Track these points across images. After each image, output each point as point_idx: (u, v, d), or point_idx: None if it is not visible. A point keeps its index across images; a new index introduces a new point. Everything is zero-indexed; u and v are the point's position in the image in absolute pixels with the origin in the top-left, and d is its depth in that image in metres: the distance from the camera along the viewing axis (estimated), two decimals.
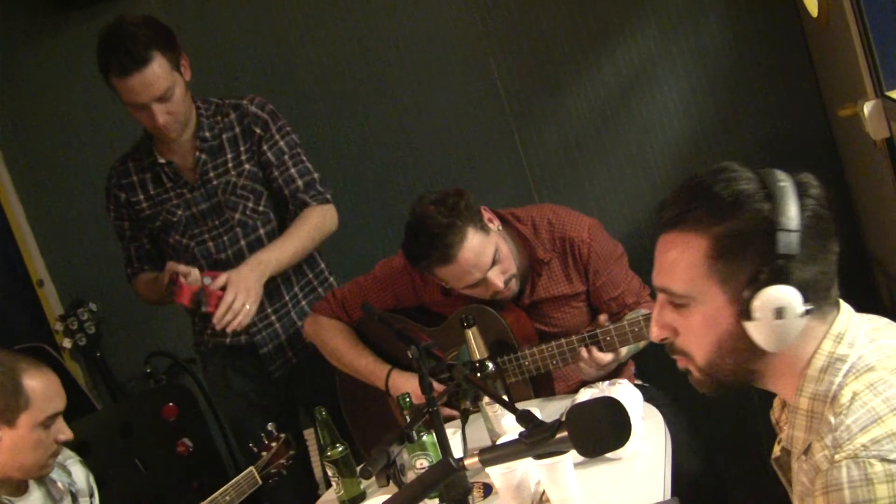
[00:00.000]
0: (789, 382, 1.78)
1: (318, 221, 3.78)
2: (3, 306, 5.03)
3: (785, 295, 1.67)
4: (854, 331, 1.75)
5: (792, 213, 1.68)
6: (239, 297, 3.54)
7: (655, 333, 1.88)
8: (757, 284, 1.68)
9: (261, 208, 3.81)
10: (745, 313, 1.70)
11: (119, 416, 4.42)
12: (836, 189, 4.01)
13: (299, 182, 3.78)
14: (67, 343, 4.75)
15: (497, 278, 3.22)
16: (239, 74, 4.54)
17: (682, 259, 1.77)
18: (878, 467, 1.55)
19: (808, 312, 1.68)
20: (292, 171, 3.79)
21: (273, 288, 3.82)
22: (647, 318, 3.05)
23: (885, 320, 1.86)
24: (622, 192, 4.28)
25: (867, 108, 2.95)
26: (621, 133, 4.26)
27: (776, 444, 1.92)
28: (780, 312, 1.67)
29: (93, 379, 4.97)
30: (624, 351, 3.16)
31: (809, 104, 4.07)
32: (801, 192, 1.72)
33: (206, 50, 4.48)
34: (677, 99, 4.17)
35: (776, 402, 1.97)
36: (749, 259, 1.71)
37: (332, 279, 4.01)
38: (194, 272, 3.55)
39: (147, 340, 4.81)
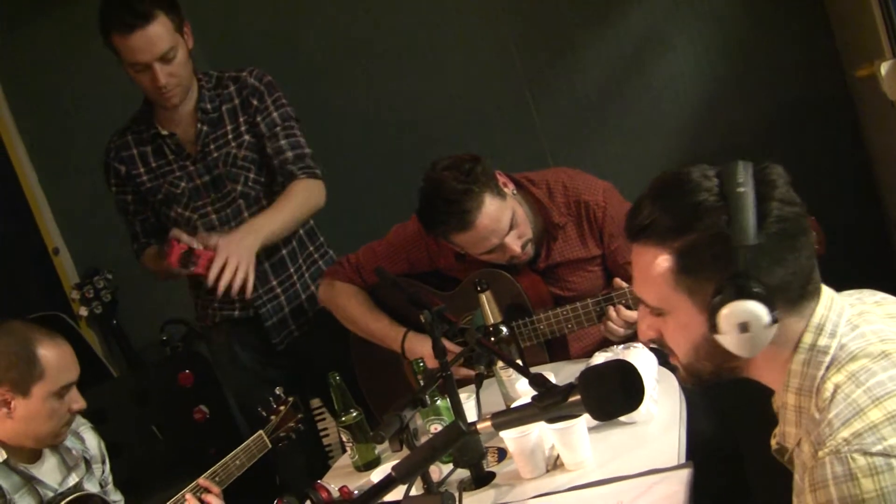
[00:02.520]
0: (776, 378, 1.77)
1: (305, 195, 3.75)
2: (19, 275, 5.05)
3: (747, 310, 1.63)
4: (834, 319, 1.72)
5: (748, 227, 1.64)
6: (231, 259, 3.50)
7: (643, 335, 1.89)
8: (721, 300, 1.65)
9: (263, 179, 3.80)
10: (712, 327, 1.68)
11: (135, 383, 4.43)
12: (853, 150, 4.02)
13: (289, 154, 3.75)
14: (83, 311, 4.77)
15: (514, 243, 3.20)
16: (246, 42, 4.54)
17: (649, 273, 1.77)
18: (861, 461, 1.53)
19: (775, 321, 1.64)
20: (282, 142, 3.76)
21: (278, 261, 3.84)
22: None
23: (877, 296, 1.85)
24: (635, 157, 4.25)
25: (885, 68, 2.92)
26: (635, 97, 4.23)
27: (772, 438, 1.91)
28: (744, 327, 1.64)
29: (109, 347, 4.99)
30: None
31: (827, 65, 4.02)
32: (764, 196, 1.67)
33: (214, 21, 4.47)
34: (691, 62, 4.13)
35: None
36: (710, 273, 1.68)
37: (331, 252, 4.01)
38: (194, 240, 3.53)
39: (163, 308, 4.82)
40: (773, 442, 1.89)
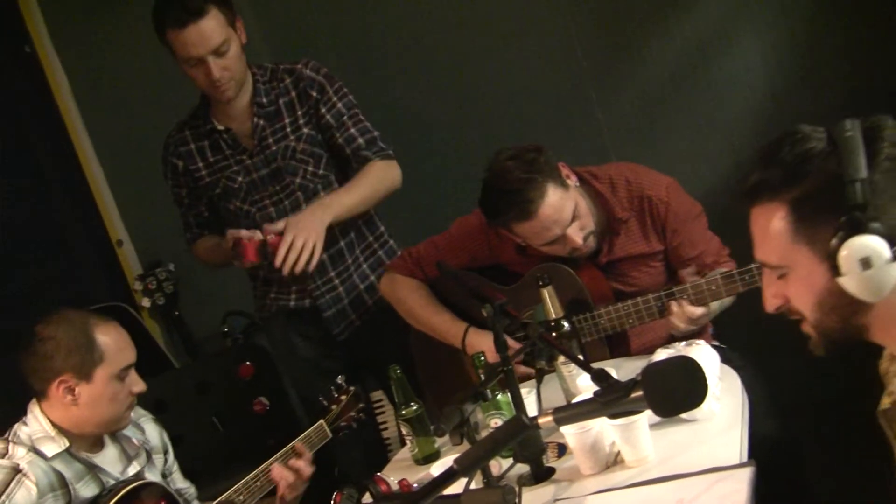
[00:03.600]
0: None
1: (381, 174, 3.79)
2: (84, 267, 5.11)
3: (866, 244, 1.63)
4: None
5: (859, 164, 1.65)
6: (298, 236, 3.54)
7: (769, 304, 1.88)
8: (839, 239, 1.65)
9: (321, 171, 3.82)
10: (834, 270, 1.67)
11: (196, 374, 4.47)
12: None
13: (360, 140, 3.79)
14: (146, 302, 4.82)
15: (576, 235, 3.18)
16: (308, 36, 4.55)
17: (768, 231, 1.77)
18: None
19: None
20: (353, 130, 3.79)
21: (335, 252, 3.85)
22: (725, 277, 3.02)
23: None
24: (699, 153, 4.20)
25: None
26: (699, 91, 4.18)
27: (885, 396, 1.88)
28: (866, 263, 1.63)
29: (171, 338, 5.03)
30: (715, 305, 3.11)
31: None
32: (872, 138, 1.68)
33: (276, 14, 4.48)
34: (757, 55, 4.08)
35: (886, 353, 1.92)
36: (827, 217, 1.68)
37: (391, 242, 4.02)
38: (256, 233, 3.57)
39: (224, 299, 4.85)
40: (887, 401, 1.86)
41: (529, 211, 3.09)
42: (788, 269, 1.78)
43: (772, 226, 1.75)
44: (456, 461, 1.84)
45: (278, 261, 3.53)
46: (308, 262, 3.56)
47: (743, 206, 1.83)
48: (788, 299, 1.83)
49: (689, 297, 3.07)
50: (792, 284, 1.80)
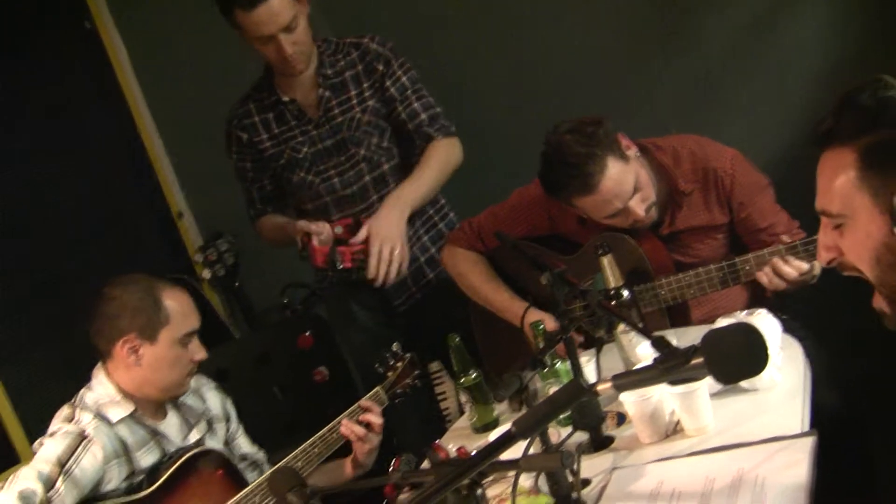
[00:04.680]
0: None
1: (446, 155, 3.83)
2: (145, 239, 5.16)
3: None
4: None
5: None
6: (385, 245, 3.61)
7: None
8: None
9: (385, 144, 3.85)
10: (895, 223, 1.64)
11: (256, 345, 4.50)
12: None
13: (423, 116, 3.81)
14: (206, 274, 4.84)
15: (638, 207, 3.16)
16: (367, 7, 4.54)
17: (834, 176, 1.74)
18: None
19: None
20: (416, 105, 3.81)
21: None
22: (789, 248, 3.00)
23: None
24: (758, 125, 4.15)
25: None
26: (758, 64, 4.12)
27: None
28: None
29: (231, 309, 5.07)
30: (818, 266, 3.07)
31: None
32: None
33: None
34: (816, 27, 4.01)
35: None
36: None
37: (451, 214, 4.05)
38: (325, 230, 3.60)
39: (284, 271, 4.86)
40: None
41: (590, 185, 3.07)
42: (847, 218, 1.75)
43: (838, 171, 1.72)
44: (514, 423, 1.83)
45: (371, 274, 3.62)
46: (399, 269, 3.65)
47: (815, 151, 1.79)
48: (842, 252, 1.80)
49: (751, 268, 3.05)
50: (848, 236, 1.76)
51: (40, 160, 4.65)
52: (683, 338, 3.06)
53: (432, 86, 3.91)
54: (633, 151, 3.20)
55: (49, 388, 3.00)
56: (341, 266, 3.58)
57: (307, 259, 3.63)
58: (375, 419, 3.14)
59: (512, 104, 4.49)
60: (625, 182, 3.11)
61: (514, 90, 4.49)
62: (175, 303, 2.97)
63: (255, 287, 4.92)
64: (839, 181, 1.72)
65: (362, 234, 3.62)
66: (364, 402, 3.17)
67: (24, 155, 4.57)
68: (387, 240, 3.62)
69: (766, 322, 2.72)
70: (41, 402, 3.01)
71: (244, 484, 2.99)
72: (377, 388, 3.25)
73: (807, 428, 2.37)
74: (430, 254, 3.95)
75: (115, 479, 2.83)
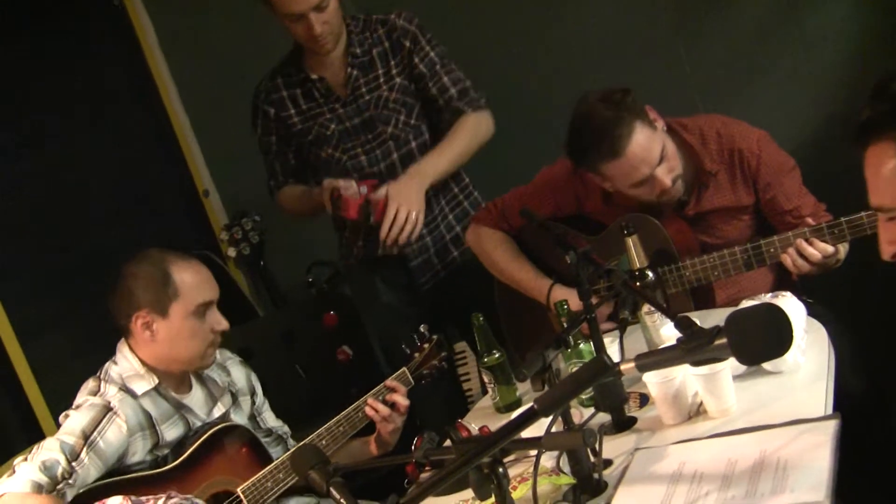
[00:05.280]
0: None
1: (473, 129, 3.82)
2: (171, 216, 5.18)
3: None
4: None
5: None
6: (402, 209, 3.61)
7: (885, 251, 1.83)
8: None
9: (412, 121, 3.86)
10: None
11: (281, 323, 4.52)
12: None
13: (453, 90, 3.82)
14: (232, 252, 4.86)
15: (665, 176, 3.13)
16: None
17: (881, 171, 1.71)
18: None
19: None
20: (445, 80, 3.82)
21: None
22: (814, 230, 2.99)
23: None
24: (788, 107, 4.12)
25: None
26: (787, 46, 4.10)
27: None
28: None
29: (256, 287, 5.08)
30: (842, 249, 3.07)
31: None
32: None
33: None
34: (845, 10, 3.99)
35: None
36: None
37: (476, 193, 4.04)
38: (352, 184, 3.61)
39: (309, 250, 4.88)
40: None
41: (618, 149, 3.05)
42: None
43: (884, 164, 1.69)
44: (536, 401, 1.83)
45: (383, 234, 3.63)
46: (410, 234, 3.66)
47: (857, 150, 1.77)
48: None
49: (776, 251, 3.04)
50: None
51: (68, 138, 4.68)
52: (707, 319, 3.03)
53: (457, 64, 3.90)
54: (660, 124, 3.18)
55: (74, 365, 3.02)
56: (373, 220, 3.61)
57: (339, 217, 3.65)
58: (401, 400, 3.16)
59: (538, 84, 4.47)
60: (652, 149, 3.10)
61: (540, 70, 4.48)
62: (186, 275, 2.96)
63: (280, 266, 4.94)
64: (885, 175, 1.69)
65: (382, 191, 3.63)
66: (390, 382, 3.18)
67: (51, 133, 4.60)
68: (404, 204, 3.63)
69: (790, 304, 2.71)
70: (66, 379, 3.03)
71: (268, 460, 3.00)
72: (403, 369, 3.25)
73: (830, 411, 2.36)
74: (455, 232, 3.96)
75: (139, 451, 2.85)
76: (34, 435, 3.83)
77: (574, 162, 3.25)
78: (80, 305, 4.26)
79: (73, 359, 3.12)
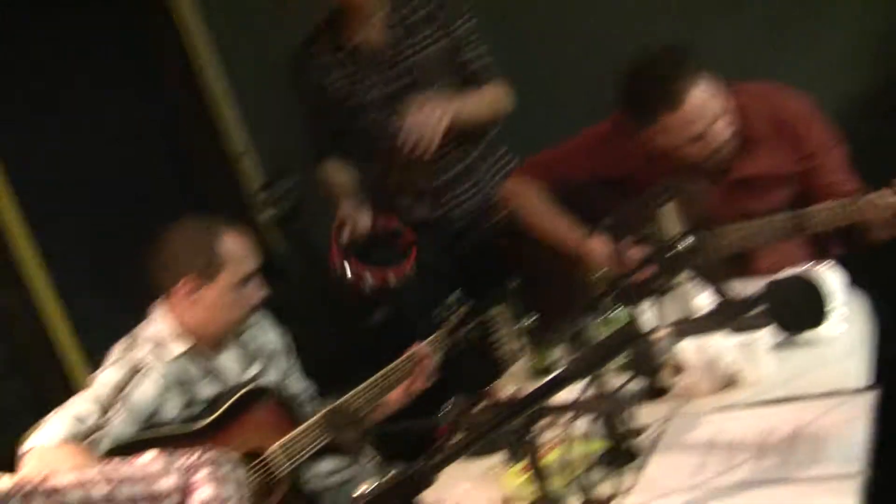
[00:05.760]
0: None
1: (497, 96, 3.86)
2: (207, 178, 5.17)
3: None
4: None
5: None
6: (425, 110, 3.64)
7: None
8: None
9: (453, 85, 3.85)
10: None
11: (316, 285, 4.51)
12: None
13: (484, 61, 3.85)
14: (268, 213, 4.85)
15: (719, 133, 3.09)
16: None
17: None
18: None
19: None
20: (479, 50, 3.84)
21: (462, 169, 3.92)
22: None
23: None
24: (833, 75, 4.06)
25: None
26: (835, 10, 4.04)
27: None
28: None
29: (290, 250, 5.08)
30: None
31: None
32: None
33: None
34: None
35: None
36: None
37: (515, 160, 4.03)
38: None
39: None
40: None
41: (677, 100, 3.00)
42: None
43: None
44: (567, 365, 1.82)
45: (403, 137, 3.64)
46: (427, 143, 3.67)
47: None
48: None
49: (819, 221, 3.00)
50: None
51: (105, 98, 4.67)
52: (746, 288, 3.02)
53: (499, 28, 3.89)
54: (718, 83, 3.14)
55: (114, 325, 3.03)
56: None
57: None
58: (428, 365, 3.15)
59: (582, 47, 4.42)
60: (712, 103, 3.05)
61: (579, 36, 4.42)
62: (235, 244, 2.97)
63: (315, 228, 4.93)
64: None
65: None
66: (421, 347, 3.17)
67: (88, 93, 4.60)
68: (428, 107, 3.64)
69: (831, 274, 2.67)
70: (106, 339, 3.04)
71: (300, 420, 3.00)
72: (435, 336, 3.24)
73: (869, 383, 2.33)
74: (495, 198, 3.93)
75: (172, 410, 2.85)
76: (73, 394, 3.86)
77: (629, 113, 3.19)
78: (120, 266, 4.27)
79: (114, 319, 3.13)
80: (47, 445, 2.58)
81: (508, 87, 3.89)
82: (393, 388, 3.14)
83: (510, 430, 1.85)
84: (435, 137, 3.65)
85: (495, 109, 3.87)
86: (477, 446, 1.77)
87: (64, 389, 3.68)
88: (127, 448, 2.65)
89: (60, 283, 4.09)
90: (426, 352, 3.16)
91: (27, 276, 3.99)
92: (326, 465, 3.17)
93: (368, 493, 1.57)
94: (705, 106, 3.04)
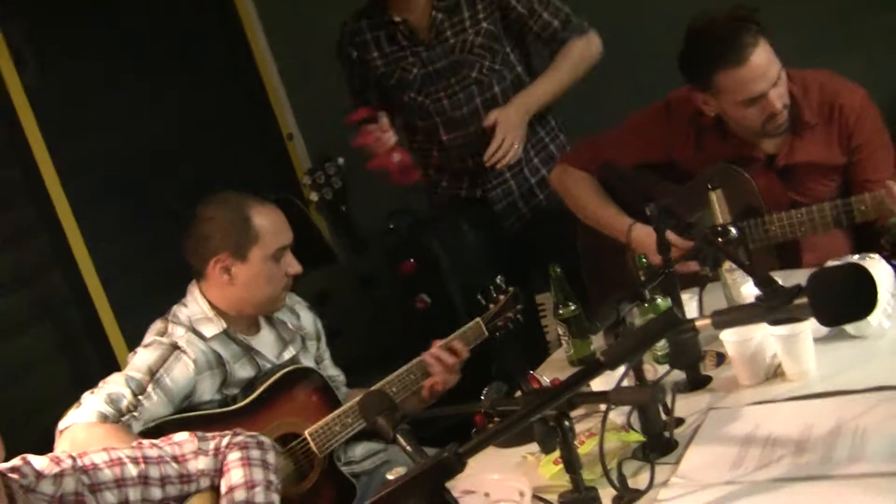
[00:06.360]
0: None
1: (579, 55, 3.85)
2: (255, 159, 5.18)
3: None
4: None
5: None
6: (508, 136, 3.71)
7: None
8: None
9: (497, 67, 3.86)
10: None
11: (360, 268, 4.51)
12: None
13: (556, 23, 3.82)
14: (314, 197, 4.83)
15: (777, 99, 3.04)
16: None
17: None
18: None
19: None
20: (545, 15, 3.81)
21: None
22: None
23: None
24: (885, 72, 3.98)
25: None
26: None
27: None
28: None
29: (336, 232, 5.06)
30: None
31: None
32: None
33: None
34: None
35: None
36: None
37: (562, 136, 4.04)
38: (391, 138, 3.84)
39: (391, 197, 4.85)
40: None
41: (742, 57, 2.97)
42: None
43: None
44: (602, 353, 1.78)
45: (487, 156, 3.73)
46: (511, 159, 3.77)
47: None
48: None
49: (867, 209, 2.94)
50: None
51: (152, 79, 4.69)
52: (791, 279, 2.94)
53: None
54: None
55: (154, 305, 3.04)
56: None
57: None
58: (462, 350, 3.13)
59: (631, 26, 4.38)
60: (772, 66, 3.02)
61: (630, 14, 4.39)
62: (265, 220, 2.95)
63: (361, 211, 4.92)
64: None
65: (490, 119, 3.75)
66: (454, 342, 3.15)
67: (136, 73, 4.62)
68: (510, 131, 3.73)
69: (878, 266, 2.61)
70: (147, 319, 3.04)
71: (337, 404, 2.99)
72: (477, 319, 3.22)
73: None
74: (541, 175, 3.96)
75: (208, 391, 2.85)
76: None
77: (691, 69, 3.16)
78: (162, 246, 4.28)
79: (154, 299, 3.14)
80: (82, 424, 2.59)
81: (592, 32, 3.88)
82: (427, 376, 3.10)
83: (543, 419, 1.81)
84: (518, 147, 3.76)
85: (577, 71, 3.87)
86: (509, 434, 1.74)
87: (109, 371, 3.72)
88: (162, 428, 2.66)
89: (104, 265, 4.12)
90: (438, 353, 3.11)
91: (76, 259, 4.02)
92: (362, 449, 3.17)
93: (398, 478, 1.54)
94: (767, 67, 3.01)
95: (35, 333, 3.91)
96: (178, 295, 3.04)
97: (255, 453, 2.42)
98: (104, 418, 2.60)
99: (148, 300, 3.51)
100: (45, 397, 3.69)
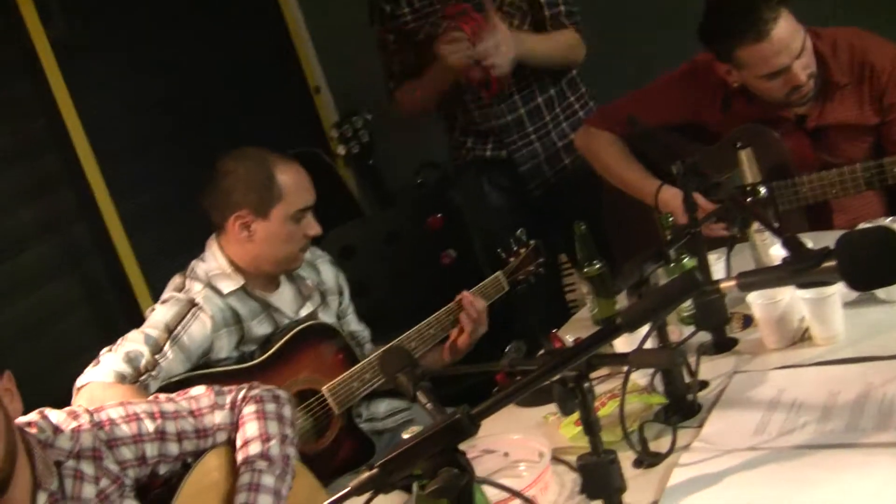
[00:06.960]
0: None
1: (570, 42, 3.80)
2: (282, 112, 5.16)
3: None
4: None
5: None
6: (502, 45, 3.59)
7: None
8: None
9: (525, 27, 3.80)
10: None
11: (386, 223, 4.49)
12: None
13: (563, 7, 3.78)
14: (341, 150, 4.81)
15: (801, 71, 2.99)
16: None
17: None
18: None
19: None
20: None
21: (534, 108, 3.87)
22: None
23: None
24: None
25: None
26: None
27: None
28: None
29: (363, 186, 5.05)
30: None
31: None
32: None
33: None
34: None
35: None
36: None
37: (591, 104, 3.98)
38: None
39: (418, 151, 4.84)
40: None
41: (762, 31, 2.92)
42: None
43: None
44: (620, 314, 1.73)
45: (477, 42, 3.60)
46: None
47: None
48: None
49: None
50: None
51: (179, 33, 4.66)
52: (820, 241, 2.89)
53: None
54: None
55: (179, 257, 3.02)
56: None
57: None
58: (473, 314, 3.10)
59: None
60: (795, 38, 2.96)
61: None
62: (289, 178, 2.91)
63: (388, 166, 4.89)
64: None
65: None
66: (466, 295, 3.12)
67: (163, 28, 4.59)
68: (505, 42, 3.59)
69: None
70: (170, 271, 3.03)
71: (355, 361, 2.97)
72: (497, 273, 3.20)
73: None
74: (569, 139, 3.90)
75: (225, 347, 2.84)
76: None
77: (710, 43, 3.11)
78: (187, 198, 4.27)
79: (179, 251, 3.13)
80: (99, 383, 2.58)
81: (582, 37, 3.83)
82: (447, 331, 3.08)
83: (562, 380, 1.78)
84: (506, 63, 3.62)
85: (564, 55, 3.82)
86: (527, 394, 1.70)
87: (133, 322, 3.73)
88: (180, 385, 2.64)
89: (130, 218, 4.11)
90: (471, 300, 3.08)
91: (100, 211, 4.02)
92: (385, 406, 3.15)
93: (409, 438, 1.51)
94: (789, 41, 2.95)
95: (60, 284, 3.90)
96: (203, 248, 3.02)
97: (271, 406, 2.40)
98: (122, 378, 2.59)
99: (173, 251, 3.52)
100: (69, 348, 3.69)
